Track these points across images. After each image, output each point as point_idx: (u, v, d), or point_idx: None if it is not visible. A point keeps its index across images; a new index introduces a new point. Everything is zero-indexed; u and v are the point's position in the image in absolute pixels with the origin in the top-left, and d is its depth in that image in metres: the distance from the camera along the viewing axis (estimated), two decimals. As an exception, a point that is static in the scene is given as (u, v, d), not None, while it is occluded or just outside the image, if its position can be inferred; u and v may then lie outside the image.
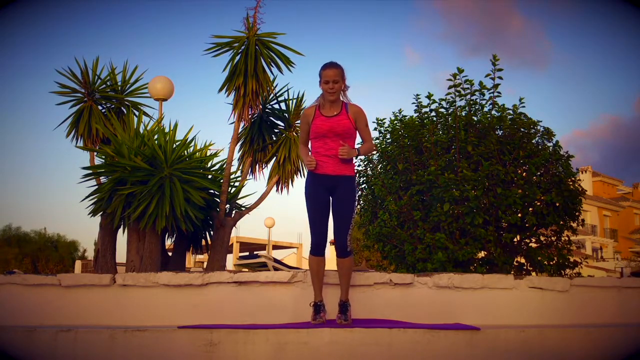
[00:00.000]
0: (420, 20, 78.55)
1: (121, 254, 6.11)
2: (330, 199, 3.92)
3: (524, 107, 5.97)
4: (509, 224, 5.59)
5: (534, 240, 5.89)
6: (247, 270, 10.03)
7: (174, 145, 5.90)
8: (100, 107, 6.94)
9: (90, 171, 6.09)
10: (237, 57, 6.21)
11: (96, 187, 6.00)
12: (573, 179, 5.84)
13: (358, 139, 4.07)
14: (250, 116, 6.43)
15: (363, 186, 6.74)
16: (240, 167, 6.96)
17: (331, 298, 4.07)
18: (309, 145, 4.05)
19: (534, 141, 5.87)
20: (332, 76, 3.84)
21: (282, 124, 6.98)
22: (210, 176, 6.25)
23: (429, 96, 6.18)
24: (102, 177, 6.12)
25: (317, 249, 3.88)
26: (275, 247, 28.79)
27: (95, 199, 5.80)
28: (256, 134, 6.87)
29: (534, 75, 73.84)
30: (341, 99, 3.95)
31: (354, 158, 3.99)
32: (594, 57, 70.85)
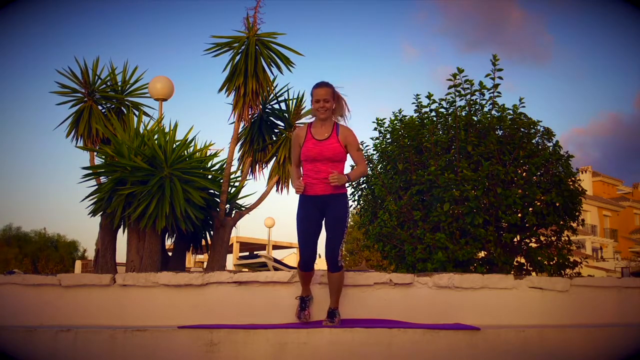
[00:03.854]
0: (418, 15, 78.54)
1: (121, 254, 6.11)
2: (322, 217, 3.93)
3: (524, 107, 5.98)
4: (509, 224, 5.59)
5: (534, 240, 5.90)
6: (247, 270, 10.03)
7: (174, 145, 5.89)
8: (100, 107, 6.94)
9: (90, 171, 6.09)
10: (237, 57, 6.20)
11: (96, 187, 6.00)
12: (573, 179, 5.85)
13: (350, 161, 4.08)
14: (250, 116, 6.42)
15: (363, 186, 6.75)
16: (240, 167, 6.96)
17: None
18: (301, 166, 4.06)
19: (534, 141, 5.87)
20: (323, 95, 3.89)
21: (282, 124, 6.97)
22: (210, 176, 6.24)
23: (429, 96, 6.19)
24: (102, 177, 6.12)
25: (306, 266, 3.90)
26: (275, 247, 28.76)
27: (95, 199, 5.80)
28: (256, 134, 6.87)
29: (534, 71, 73.82)
30: (333, 119, 3.98)
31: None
32: (593, 52, 70.87)
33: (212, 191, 6.15)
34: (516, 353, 3.73)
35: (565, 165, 5.88)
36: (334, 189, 3.88)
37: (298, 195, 3.97)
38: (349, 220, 4.00)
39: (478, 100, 5.98)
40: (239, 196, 6.75)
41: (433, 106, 6.18)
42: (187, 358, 3.62)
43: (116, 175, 5.62)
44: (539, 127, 5.96)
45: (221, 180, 6.23)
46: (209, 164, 6.39)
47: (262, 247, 27.40)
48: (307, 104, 6.87)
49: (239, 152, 6.97)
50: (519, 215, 5.55)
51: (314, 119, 4.05)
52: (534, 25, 73.76)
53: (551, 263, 5.70)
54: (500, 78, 5.83)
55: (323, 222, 3.94)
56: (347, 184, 3.96)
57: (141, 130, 6.13)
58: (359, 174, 4.09)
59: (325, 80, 3.97)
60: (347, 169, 4.06)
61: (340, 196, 3.91)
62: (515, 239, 5.78)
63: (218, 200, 6.22)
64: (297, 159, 4.08)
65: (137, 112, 7.15)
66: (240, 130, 6.64)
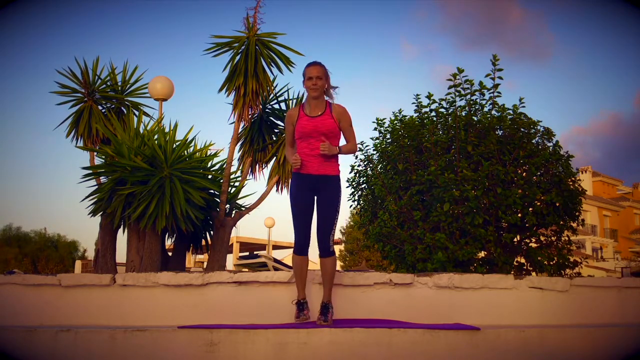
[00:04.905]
0: (417, 13, 78.42)
1: (121, 254, 6.12)
2: (315, 199, 3.94)
3: (524, 107, 5.99)
4: (509, 224, 5.59)
5: (534, 240, 5.90)
6: (247, 270, 10.03)
7: (174, 145, 5.90)
8: (100, 107, 6.94)
9: (90, 171, 6.09)
10: (237, 57, 6.21)
11: (96, 187, 6.00)
12: (573, 179, 5.85)
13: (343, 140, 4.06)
14: (250, 116, 6.43)
15: (363, 186, 6.75)
16: (240, 167, 6.96)
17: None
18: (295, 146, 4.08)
19: (534, 141, 5.87)
20: (315, 73, 3.91)
21: (282, 124, 6.97)
22: (210, 176, 6.24)
23: (429, 96, 6.19)
24: (102, 177, 6.12)
25: (301, 249, 3.91)
26: (275, 247, 28.75)
27: (95, 199, 5.81)
28: (256, 134, 6.88)
29: (534, 70, 73.67)
30: (326, 98, 3.99)
31: (338, 158, 4.00)
32: (593, 51, 70.73)
33: (212, 191, 6.15)
34: (516, 353, 3.73)
35: (565, 165, 5.88)
36: (328, 169, 3.89)
37: (292, 175, 3.99)
38: (340, 205, 3.98)
39: (478, 100, 5.98)
40: (239, 196, 6.75)
41: (433, 106, 6.19)
42: (187, 358, 3.62)
43: (116, 175, 5.63)
44: (539, 127, 5.97)
45: (221, 180, 6.23)
46: (209, 164, 6.40)
47: (262, 247, 27.41)
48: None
49: (239, 152, 6.97)
50: (519, 215, 5.55)
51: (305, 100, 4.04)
52: (534, 23, 73.68)
53: (551, 263, 5.70)
54: (500, 78, 5.84)
55: (315, 202, 3.94)
56: (343, 172, 3.97)
57: (141, 130, 6.14)
58: (350, 150, 4.05)
59: (318, 60, 3.98)
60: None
61: (333, 178, 3.93)
62: (515, 239, 5.78)
63: (218, 200, 6.22)
64: (291, 138, 4.09)
65: (137, 112, 7.15)
66: (240, 130, 6.64)
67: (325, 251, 3.87)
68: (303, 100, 4.12)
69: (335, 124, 3.91)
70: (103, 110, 6.97)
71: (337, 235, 31.16)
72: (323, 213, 3.89)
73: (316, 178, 3.90)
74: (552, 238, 5.98)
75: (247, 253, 24.43)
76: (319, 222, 3.89)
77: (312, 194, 3.93)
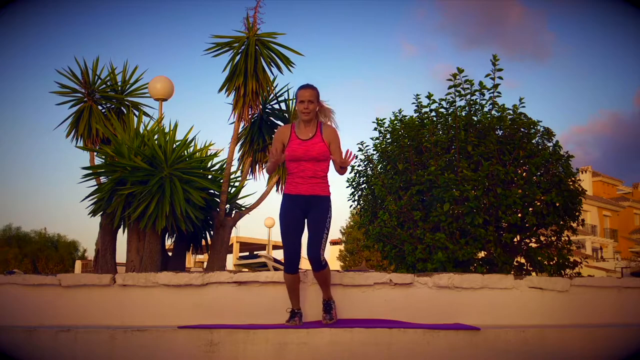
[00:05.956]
0: (417, 12, 78.28)
1: (121, 254, 6.12)
2: (305, 219, 3.95)
3: (524, 107, 5.99)
4: (509, 224, 5.59)
5: (534, 240, 5.90)
6: (247, 270, 10.03)
7: (174, 145, 5.90)
8: (100, 107, 6.94)
9: (90, 171, 6.09)
10: (237, 57, 6.21)
11: (96, 187, 6.00)
12: (573, 179, 5.85)
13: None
14: (250, 116, 6.43)
15: (363, 186, 6.75)
16: (240, 167, 6.96)
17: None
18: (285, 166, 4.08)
19: (534, 141, 5.87)
20: (307, 97, 3.92)
21: (282, 123, 6.97)
22: (210, 176, 6.25)
23: (429, 96, 6.19)
24: (102, 177, 6.12)
25: (291, 267, 3.89)
26: (275, 247, 28.74)
27: (95, 199, 5.81)
28: (256, 134, 6.88)
29: (534, 68, 73.51)
30: (319, 119, 4.01)
31: (328, 180, 4.01)
32: (593, 50, 70.59)
33: (212, 191, 6.15)
34: (516, 353, 3.73)
35: (565, 165, 5.89)
36: (317, 190, 3.92)
37: (282, 196, 4.02)
38: (330, 223, 3.99)
39: (478, 100, 5.99)
40: (239, 196, 6.75)
41: (433, 106, 6.19)
42: (187, 358, 3.62)
43: (116, 175, 5.63)
44: (539, 127, 5.97)
45: (221, 180, 6.23)
46: (209, 164, 6.40)
47: (262, 247, 27.43)
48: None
49: (239, 152, 6.97)
50: (519, 215, 5.55)
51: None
52: (534, 22, 73.57)
53: (551, 263, 5.70)
54: (500, 78, 5.84)
55: (305, 222, 3.96)
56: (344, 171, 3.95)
57: (141, 130, 6.14)
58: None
59: (311, 83, 4.01)
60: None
61: (323, 198, 3.95)
62: (515, 239, 5.78)
63: (218, 200, 6.22)
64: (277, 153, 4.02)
65: (137, 112, 7.15)
66: (240, 130, 6.64)
67: (318, 265, 3.85)
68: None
69: (326, 147, 3.92)
70: (103, 110, 6.97)
71: (337, 235, 31.14)
72: (313, 230, 3.89)
73: (307, 198, 3.91)
74: (552, 238, 5.98)
75: (247, 253, 24.45)
76: (310, 239, 3.89)
77: (302, 213, 3.94)
